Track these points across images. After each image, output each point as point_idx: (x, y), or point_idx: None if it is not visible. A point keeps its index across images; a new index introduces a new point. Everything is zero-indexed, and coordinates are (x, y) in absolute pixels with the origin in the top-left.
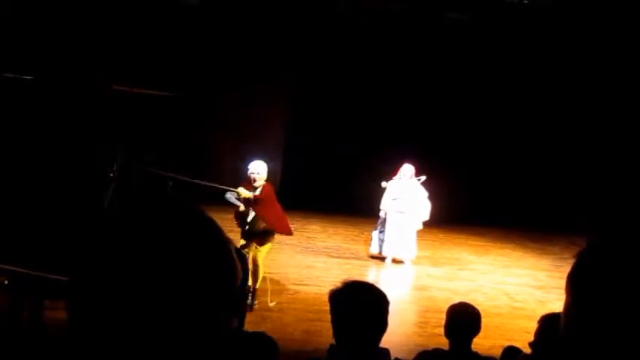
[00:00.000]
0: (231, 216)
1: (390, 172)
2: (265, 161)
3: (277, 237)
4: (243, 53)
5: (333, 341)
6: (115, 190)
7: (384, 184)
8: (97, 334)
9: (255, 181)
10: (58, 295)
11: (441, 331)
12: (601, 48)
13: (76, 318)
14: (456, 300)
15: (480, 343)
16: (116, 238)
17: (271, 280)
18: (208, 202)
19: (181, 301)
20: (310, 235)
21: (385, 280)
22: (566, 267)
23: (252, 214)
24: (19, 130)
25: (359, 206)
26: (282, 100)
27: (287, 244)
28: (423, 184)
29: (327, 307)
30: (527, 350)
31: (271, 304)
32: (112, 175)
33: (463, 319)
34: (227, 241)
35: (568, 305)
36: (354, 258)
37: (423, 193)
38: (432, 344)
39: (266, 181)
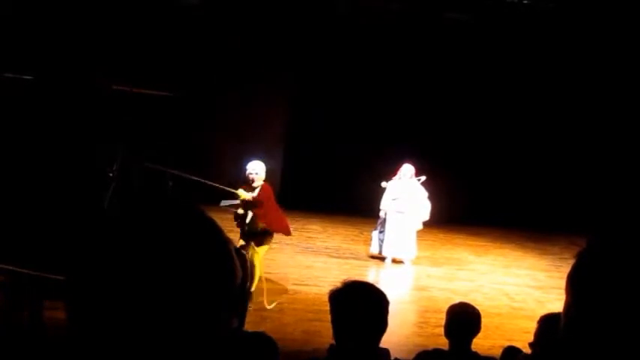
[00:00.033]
0: (231, 216)
1: (390, 172)
2: (265, 161)
3: (277, 237)
4: (243, 53)
5: (333, 341)
6: (114, 190)
7: (384, 184)
8: (96, 334)
9: (253, 181)
10: (58, 295)
11: (441, 331)
12: (601, 48)
13: (75, 318)
14: (456, 300)
15: (479, 343)
16: (116, 238)
17: (271, 280)
18: (208, 202)
19: (181, 301)
20: (310, 235)
21: (385, 280)
22: (566, 267)
23: (250, 215)
24: (19, 130)
25: (359, 206)
26: (282, 100)
27: (287, 244)
28: (423, 184)
29: (327, 307)
30: (527, 350)
31: (270, 306)
32: (111, 175)
33: (463, 319)
34: (227, 241)
35: (568, 305)
36: (354, 258)
37: (423, 193)
38: (431, 344)
39: (264, 180)
